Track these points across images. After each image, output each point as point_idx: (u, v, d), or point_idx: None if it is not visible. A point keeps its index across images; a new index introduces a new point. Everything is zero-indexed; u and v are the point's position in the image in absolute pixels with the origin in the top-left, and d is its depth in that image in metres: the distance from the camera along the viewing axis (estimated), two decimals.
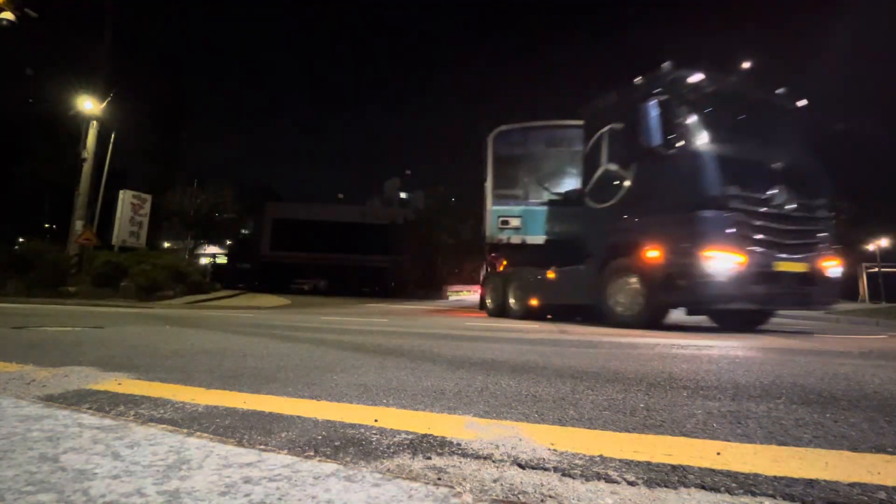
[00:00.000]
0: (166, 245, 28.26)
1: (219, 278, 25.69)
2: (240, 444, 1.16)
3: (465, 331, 5.33)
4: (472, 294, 28.53)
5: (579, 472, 1.01)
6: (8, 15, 10.74)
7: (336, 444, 1.19)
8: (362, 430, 1.32)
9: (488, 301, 10.24)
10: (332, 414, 1.50)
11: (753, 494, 0.90)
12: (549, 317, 8.92)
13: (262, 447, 1.14)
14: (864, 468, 1.04)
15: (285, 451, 1.11)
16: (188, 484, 0.88)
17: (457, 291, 30.71)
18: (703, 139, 5.87)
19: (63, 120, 19.19)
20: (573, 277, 7.74)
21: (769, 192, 5.79)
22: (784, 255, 5.74)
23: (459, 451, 1.14)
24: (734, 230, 5.53)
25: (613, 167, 6.87)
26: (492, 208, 9.69)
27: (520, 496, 0.88)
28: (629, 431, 1.34)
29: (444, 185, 40.96)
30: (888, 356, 3.22)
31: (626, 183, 6.63)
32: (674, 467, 1.04)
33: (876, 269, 25.40)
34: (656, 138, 5.99)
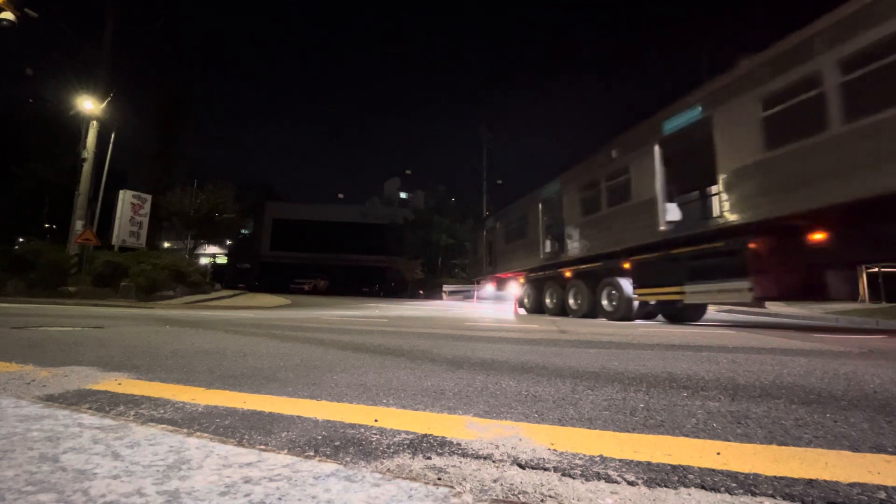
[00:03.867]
0: (166, 245, 28.24)
1: (219, 278, 25.69)
2: (240, 444, 1.16)
3: (465, 331, 5.33)
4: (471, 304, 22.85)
5: (579, 472, 1.01)
6: (8, 15, 10.73)
7: (336, 444, 1.19)
8: (362, 430, 1.32)
9: None
10: (332, 414, 1.50)
11: (753, 494, 0.90)
12: None
13: (262, 447, 1.14)
14: (864, 468, 1.04)
15: (285, 451, 1.11)
16: (188, 484, 0.88)
17: (457, 292, 27.50)
18: None
19: (63, 120, 19.16)
20: None
21: None
22: None
23: (459, 451, 1.14)
24: None
25: None
26: None
27: (520, 496, 0.88)
28: (629, 431, 1.34)
29: (444, 185, 40.98)
30: (888, 356, 3.22)
31: None
32: (674, 467, 1.04)
33: (876, 270, 25.36)
34: None
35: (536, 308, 12.08)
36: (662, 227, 7.69)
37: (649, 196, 7.96)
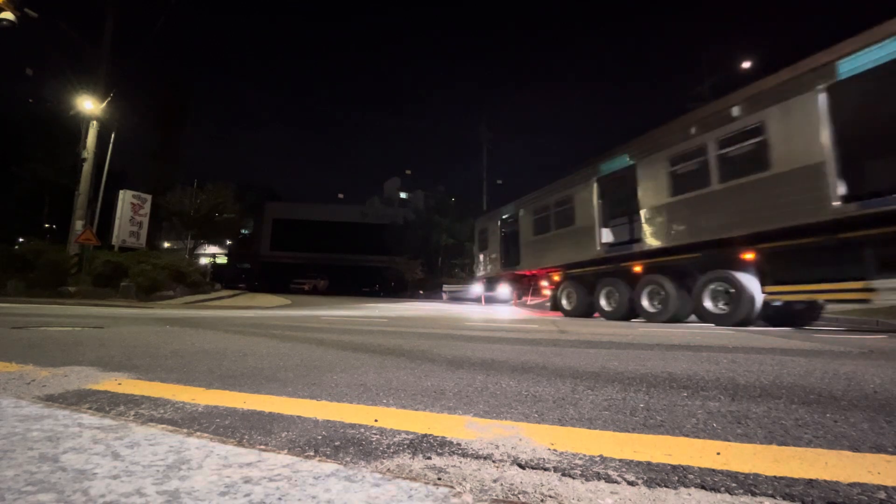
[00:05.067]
0: (166, 245, 28.26)
1: (219, 278, 25.69)
2: (240, 444, 1.16)
3: (465, 331, 5.33)
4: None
5: (579, 472, 1.01)
6: (8, 15, 10.72)
7: (336, 444, 1.19)
8: (362, 430, 1.32)
9: None
10: (332, 414, 1.50)
11: (753, 494, 0.90)
12: None
13: (262, 447, 1.14)
14: (864, 468, 1.04)
15: (285, 451, 1.11)
16: (188, 484, 0.88)
17: (460, 292, 25.43)
18: None
19: (63, 120, 19.17)
20: None
21: None
22: None
23: (459, 451, 1.14)
24: None
25: None
26: None
27: (520, 496, 0.88)
28: (629, 431, 1.34)
29: (444, 186, 41.04)
30: (888, 356, 3.22)
31: None
32: (674, 467, 1.04)
33: None
34: None
35: (583, 310, 10.24)
36: (836, 203, 5.77)
37: (809, 162, 6.01)
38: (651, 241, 8.40)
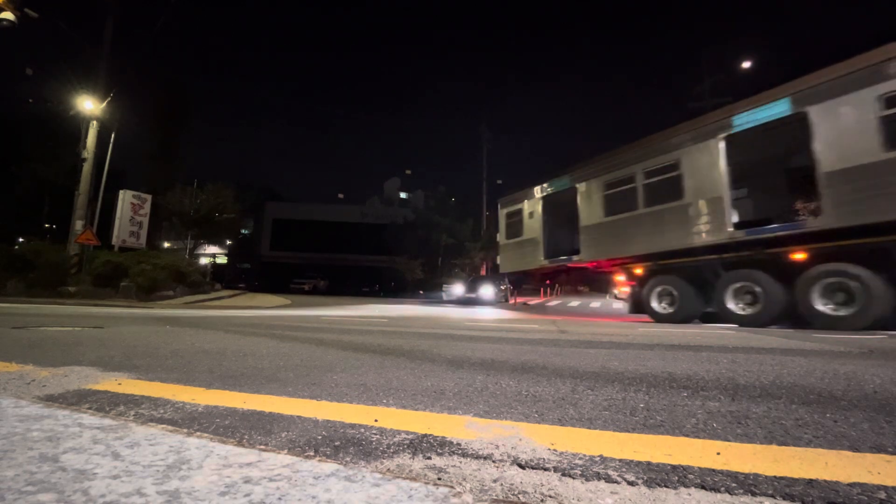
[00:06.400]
0: (166, 245, 28.24)
1: (219, 278, 25.70)
2: (240, 444, 1.16)
3: (465, 331, 5.33)
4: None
5: (579, 472, 1.01)
6: (8, 15, 10.72)
7: (336, 444, 1.19)
8: (362, 430, 1.32)
9: None
10: (332, 414, 1.50)
11: (753, 494, 0.90)
12: None
13: (262, 447, 1.14)
14: (864, 468, 1.04)
15: (285, 451, 1.11)
16: (188, 484, 0.88)
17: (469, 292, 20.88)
18: None
19: (63, 120, 19.18)
20: None
21: None
22: None
23: (459, 451, 1.14)
24: None
25: None
26: None
27: (520, 496, 0.88)
28: (629, 431, 1.34)
29: (444, 185, 41.01)
30: (888, 356, 3.22)
31: None
32: (674, 467, 1.04)
33: None
34: None
35: (689, 312, 8.00)
36: None
37: None
38: (838, 216, 6.01)
